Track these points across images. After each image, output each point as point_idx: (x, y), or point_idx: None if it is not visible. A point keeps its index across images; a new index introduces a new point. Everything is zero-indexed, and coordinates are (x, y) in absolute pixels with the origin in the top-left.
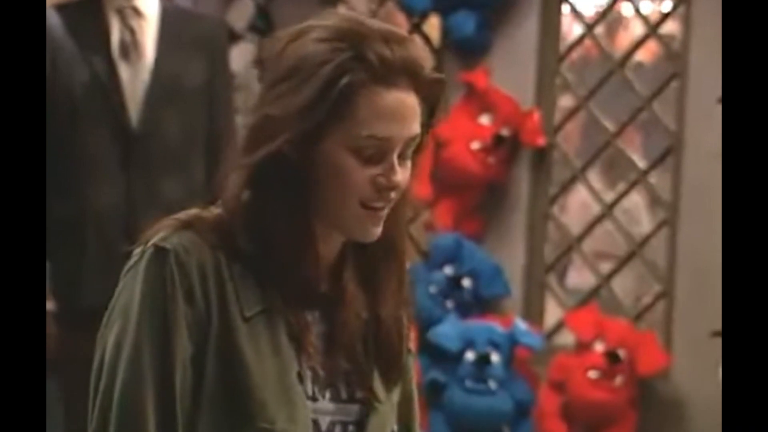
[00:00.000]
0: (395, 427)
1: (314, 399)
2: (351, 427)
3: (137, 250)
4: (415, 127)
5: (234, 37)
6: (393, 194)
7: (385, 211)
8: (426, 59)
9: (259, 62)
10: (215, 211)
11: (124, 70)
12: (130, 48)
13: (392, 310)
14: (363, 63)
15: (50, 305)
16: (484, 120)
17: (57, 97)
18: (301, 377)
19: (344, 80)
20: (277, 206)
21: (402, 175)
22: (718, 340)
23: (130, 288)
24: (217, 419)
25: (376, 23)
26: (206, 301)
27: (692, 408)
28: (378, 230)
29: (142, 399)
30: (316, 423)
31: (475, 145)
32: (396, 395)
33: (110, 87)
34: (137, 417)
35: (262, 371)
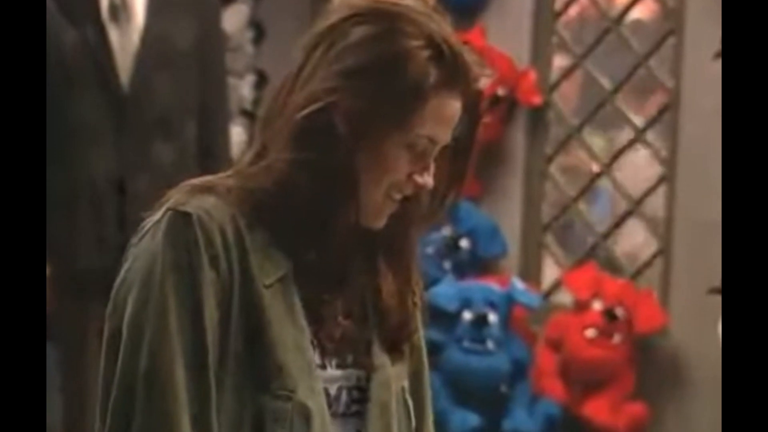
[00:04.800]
0: (406, 384)
1: (323, 367)
2: (355, 393)
3: (153, 216)
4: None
5: None
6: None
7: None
8: (482, 70)
9: (319, 34)
10: (228, 178)
11: (114, 33)
12: (120, 10)
13: (392, 284)
14: (439, 64)
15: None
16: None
17: (47, 62)
18: (313, 345)
19: (425, 86)
20: (327, 181)
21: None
22: (717, 297)
23: (150, 254)
24: (241, 384)
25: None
26: (229, 267)
27: (691, 365)
28: (384, 220)
29: (171, 364)
30: (326, 391)
31: None
32: (407, 357)
33: (100, 50)
34: (167, 381)
35: (283, 338)
